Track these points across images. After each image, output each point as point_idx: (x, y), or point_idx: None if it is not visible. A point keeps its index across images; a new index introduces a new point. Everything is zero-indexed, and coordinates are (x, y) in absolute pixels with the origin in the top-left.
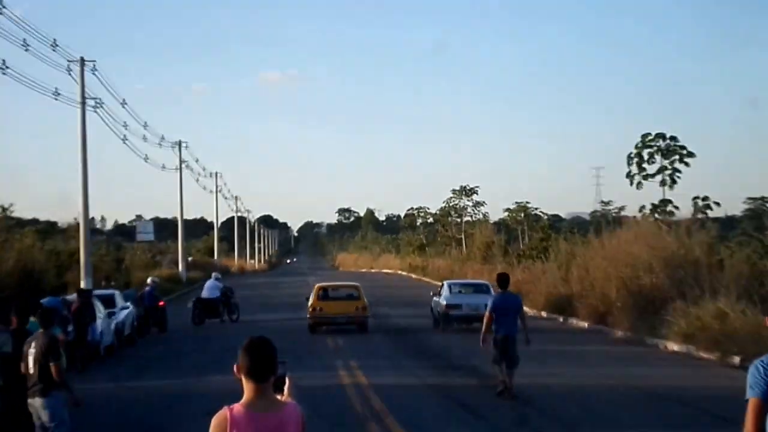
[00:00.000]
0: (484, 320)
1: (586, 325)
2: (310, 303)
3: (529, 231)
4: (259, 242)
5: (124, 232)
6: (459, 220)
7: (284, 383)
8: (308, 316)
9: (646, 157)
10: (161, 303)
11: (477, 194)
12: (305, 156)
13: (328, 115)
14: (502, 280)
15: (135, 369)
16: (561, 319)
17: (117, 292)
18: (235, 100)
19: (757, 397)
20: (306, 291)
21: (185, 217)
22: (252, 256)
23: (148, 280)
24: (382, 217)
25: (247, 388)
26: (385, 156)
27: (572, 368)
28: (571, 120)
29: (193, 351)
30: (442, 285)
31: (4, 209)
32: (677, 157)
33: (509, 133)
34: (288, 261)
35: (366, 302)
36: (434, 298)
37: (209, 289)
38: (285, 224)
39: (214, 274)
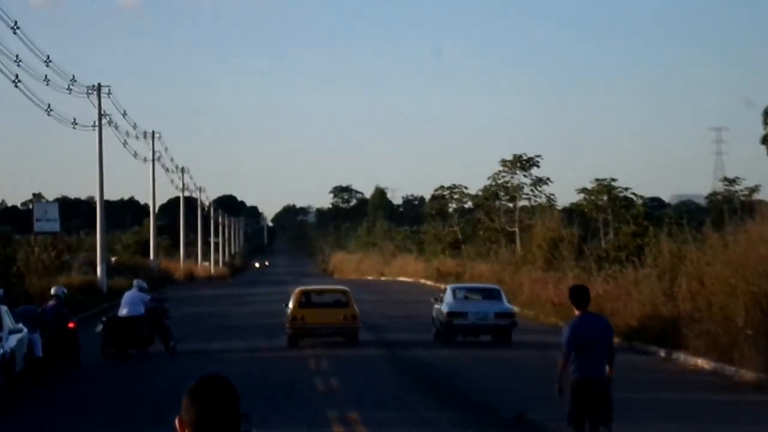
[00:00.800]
0: (561, 359)
1: (699, 362)
2: (289, 311)
3: (615, 222)
4: (217, 235)
5: (15, 217)
6: (511, 205)
7: None
8: (287, 326)
9: None
10: (71, 324)
11: (539, 167)
12: (285, 113)
13: (314, 52)
14: (580, 296)
15: (29, 426)
16: (662, 354)
17: (3, 309)
18: (179, 27)
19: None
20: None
21: (107, 197)
22: (206, 256)
23: (53, 291)
24: (397, 200)
25: None
26: (400, 113)
27: (680, 429)
28: (677, 62)
29: (116, 395)
30: (445, 290)
31: None
32: None
33: (584, 82)
34: (257, 264)
35: (356, 310)
36: (435, 306)
37: (129, 303)
38: (254, 209)
39: (136, 282)
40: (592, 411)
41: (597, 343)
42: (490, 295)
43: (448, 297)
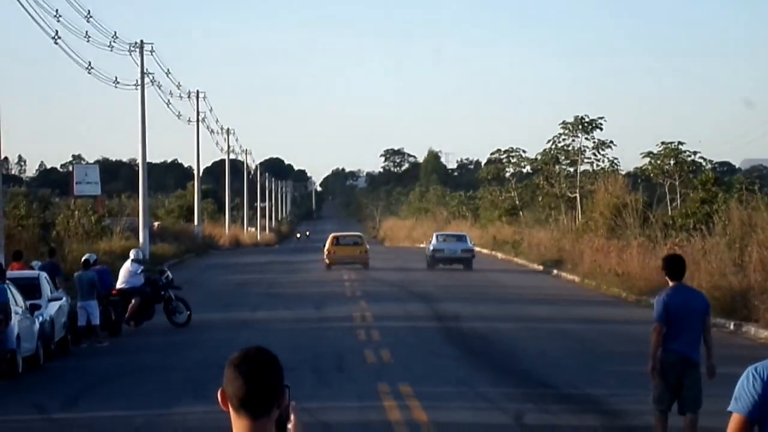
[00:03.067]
0: (653, 333)
1: None
2: (326, 248)
3: (682, 188)
4: (263, 200)
5: (54, 180)
6: (572, 169)
7: (288, 419)
8: (325, 257)
9: None
10: (114, 291)
11: (601, 129)
12: (334, 74)
13: (367, 10)
14: (675, 266)
15: (68, 393)
16: (731, 326)
17: (42, 275)
18: None
19: (741, 414)
20: (335, 277)
21: (150, 159)
22: (252, 222)
23: (90, 257)
24: (451, 164)
25: (237, 425)
26: (455, 73)
27: None
28: (745, 21)
29: (157, 365)
30: (432, 236)
31: None
32: None
33: (647, 41)
34: (298, 235)
35: (366, 247)
36: (426, 246)
37: (128, 276)
38: (302, 173)
39: (133, 252)
40: (681, 392)
41: (692, 318)
42: (460, 238)
43: (433, 240)
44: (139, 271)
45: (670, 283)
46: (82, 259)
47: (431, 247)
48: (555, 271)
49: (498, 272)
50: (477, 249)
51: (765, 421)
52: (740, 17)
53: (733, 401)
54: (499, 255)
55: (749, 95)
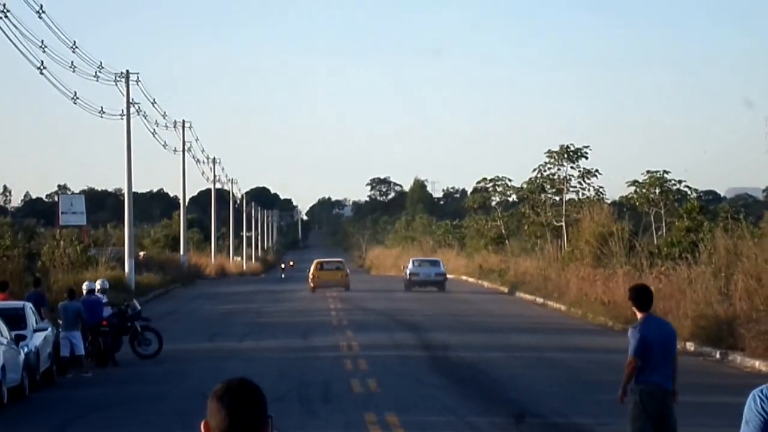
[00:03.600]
0: (628, 367)
1: (756, 364)
2: (311, 272)
3: (668, 217)
4: (249, 229)
5: (40, 211)
6: (558, 198)
7: None
8: (310, 281)
9: None
10: (104, 322)
11: (587, 158)
12: (320, 103)
13: (351, 41)
14: (644, 296)
15: (54, 424)
16: (717, 355)
17: (28, 306)
18: (212, 13)
19: None
20: (321, 306)
21: (135, 189)
22: (238, 251)
23: (92, 285)
24: (437, 193)
25: None
26: (440, 103)
27: None
28: (730, 50)
29: (144, 396)
30: (409, 261)
31: None
32: None
33: (632, 72)
34: (283, 266)
35: (347, 271)
36: (404, 270)
37: (90, 306)
38: (289, 202)
39: (99, 283)
40: (657, 424)
41: (667, 349)
42: (434, 263)
43: (410, 265)
44: (104, 301)
45: (639, 315)
46: (73, 289)
47: (408, 272)
48: (540, 300)
49: (487, 303)
50: (464, 278)
51: None
52: (727, 40)
53: (744, 425)
54: (485, 284)
55: (747, 97)
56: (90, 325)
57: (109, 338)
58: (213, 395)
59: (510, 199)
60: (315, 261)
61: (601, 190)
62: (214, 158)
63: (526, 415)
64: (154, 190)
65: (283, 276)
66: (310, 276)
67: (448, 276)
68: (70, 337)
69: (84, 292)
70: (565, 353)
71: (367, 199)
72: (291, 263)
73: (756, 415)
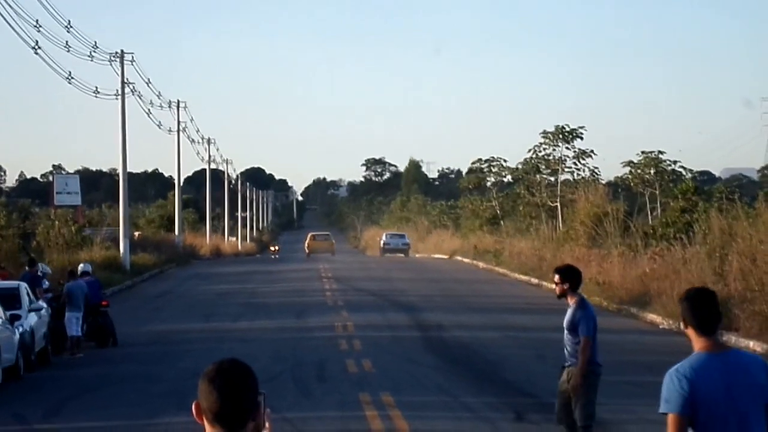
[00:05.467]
0: (587, 346)
1: (751, 344)
2: (306, 242)
3: (663, 197)
4: (244, 210)
5: (35, 191)
6: (553, 179)
7: (263, 426)
8: (306, 249)
9: None
10: (105, 302)
11: (582, 139)
12: (316, 83)
13: (347, 20)
14: (577, 276)
15: (49, 404)
16: None
17: (22, 285)
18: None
19: (675, 413)
20: (316, 287)
21: (130, 169)
22: (233, 231)
23: (85, 267)
24: (432, 173)
25: None
26: (436, 83)
27: None
28: (725, 31)
29: (139, 376)
30: (383, 235)
31: None
32: None
33: (629, 52)
34: (272, 248)
35: (333, 242)
36: (379, 241)
37: (89, 287)
38: (284, 182)
39: (81, 267)
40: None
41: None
42: (401, 236)
43: (384, 237)
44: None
45: (573, 296)
46: (74, 270)
47: (382, 242)
48: (535, 280)
49: (483, 283)
50: (458, 258)
51: (695, 417)
52: (724, 24)
53: (663, 403)
54: (480, 264)
55: (745, 98)
56: (90, 305)
57: (109, 318)
58: (204, 376)
59: (505, 180)
60: (309, 233)
61: (596, 170)
62: (209, 138)
63: (525, 415)
64: (149, 170)
65: (275, 257)
66: (306, 244)
67: (444, 256)
68: (76, 317)
69: (79, 273)
70: (559, 333)
71: (363, 179)
72: (276, 248)
73: (676, 393)
